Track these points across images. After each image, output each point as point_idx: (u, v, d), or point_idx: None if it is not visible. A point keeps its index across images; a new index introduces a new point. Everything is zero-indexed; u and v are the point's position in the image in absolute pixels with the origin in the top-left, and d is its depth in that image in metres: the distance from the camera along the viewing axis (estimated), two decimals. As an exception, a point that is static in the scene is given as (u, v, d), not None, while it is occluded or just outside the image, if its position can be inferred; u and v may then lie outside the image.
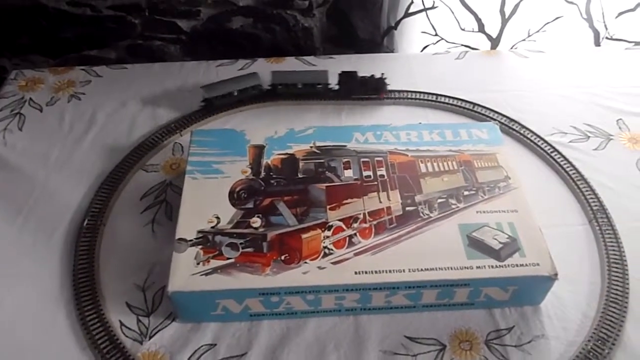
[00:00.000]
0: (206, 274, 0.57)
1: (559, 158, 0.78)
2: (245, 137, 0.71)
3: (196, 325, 0.61)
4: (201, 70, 0.94)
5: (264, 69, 0.92)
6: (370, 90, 0.88)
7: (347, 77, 0.87)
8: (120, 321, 0.61)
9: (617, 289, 0.63)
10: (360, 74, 0.87)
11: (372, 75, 0.86)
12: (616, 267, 0.65)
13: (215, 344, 0.59)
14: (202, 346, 0.59)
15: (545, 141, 0.81)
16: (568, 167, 0.77)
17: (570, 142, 0.82)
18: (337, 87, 0.88)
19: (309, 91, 0.88)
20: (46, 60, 1.02)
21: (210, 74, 0.93)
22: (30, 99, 0.89)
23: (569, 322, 0.61)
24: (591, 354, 0.58)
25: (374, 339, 0.60)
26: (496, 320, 0.61)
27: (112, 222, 0.71)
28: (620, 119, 0.86)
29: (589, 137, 0.83)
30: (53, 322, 0.61)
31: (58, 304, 0.62)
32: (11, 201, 0.72)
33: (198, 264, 0.58)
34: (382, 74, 0.86)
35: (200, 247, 0.59)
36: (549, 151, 0.79)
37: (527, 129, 0.83)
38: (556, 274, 0.58)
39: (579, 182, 0.75)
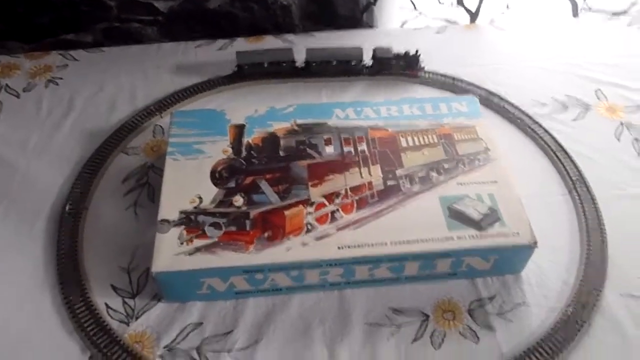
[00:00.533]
0: (190, 254, 0.57)
1: (538, 129, 0.79)
2: (225, 117, 0.70)
3: (182, 305, 0.61)
4: (179, 51, 0.93)
5: (244, 49, 0.92)
6: (403, 67, 0.87)
7: (381, 53, 0.86)
8: (106, 304, 0.61)
9: (596, 257, 0.65)
10: (395, 50, 0.87)
11: (407, 52, 0.86)
12: (595, 235, 0.66)
13: (202, 323, 0.60)
14: (188, 325, 0.59)
15: (525, 113, 0.81)
16: (547, 137, 0.78)
17: (549, 113, 0.82)
18: (370, 64, 0.88)
19: (344, 68, 0.87)
20: (21, 45, 1.01)
21: (188, 54, 0.93)
22: (7, 85, 0.87)
23: (550, 289, 0.62)
24: (571, 319, 0.59)
25: (358, 312, 0.60)
26: (478, 289, 0.62)
27: (95, 206, 0.70)
28: (599, 89, 0.86)
29: (567, 107, 0.83)
30: (38, 308, 0.61)
31: (43, 289, 0.62)
32: (-9, 189, 0.72)
33: (181, 244, 0.58)
34: (417, 50, 0.86)
35: (183, 227, 0.59)
36: (528, 123, 0.80)
37: (507, 101, 0.83)
38: (536, 243, 0.59)
39: (558, 153, 0.76)
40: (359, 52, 0.86)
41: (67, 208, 0.69)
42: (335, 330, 0.59)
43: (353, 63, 0.87)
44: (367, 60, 0.87)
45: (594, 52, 0.93)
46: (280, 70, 0.87)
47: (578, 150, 0.76)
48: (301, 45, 0.89)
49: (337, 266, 0.58)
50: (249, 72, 0.87)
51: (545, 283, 0.63)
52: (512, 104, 0.83)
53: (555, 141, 0.77)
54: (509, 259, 0.61)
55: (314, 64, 0.87)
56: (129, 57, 0.92)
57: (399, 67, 0.87)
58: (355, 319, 0.60)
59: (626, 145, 0.78)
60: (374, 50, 0.87)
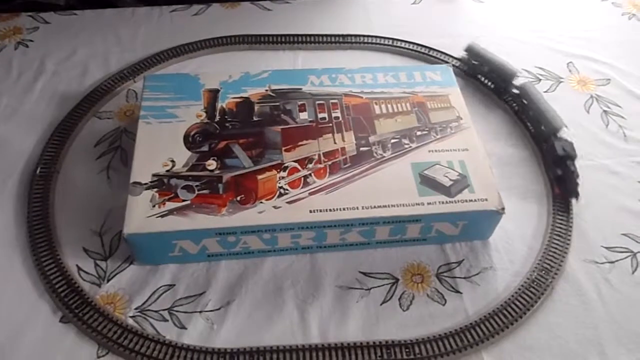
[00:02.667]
0: (162, 216, 0.57)
1: (510, 100, 0.80)
2: (199, 82, 0.70)
3: (154, 267, 0.61)
4: (155, 16, 0.92)
5: (220, 14, 0.91)
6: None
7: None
8: (77, 266, 0.61)
9: (561, 224, 0.66)
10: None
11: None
12: (561, 204, 0.68)
13: (174, 285, 0.60)
14: (160, 287, 0.60)
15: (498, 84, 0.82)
16: (518, 108, 0.79)
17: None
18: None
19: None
20: (-10, 7, 0.98)
21: (163, 19, 0.91)
22: (-25, 46, 0.85)
23: (516, 254, 0.64)
24: (535, 282, 0.61)
25: (329, 275, 0.61)
26: (447, 254, 0.64)
27: (66, 170, 0.70)
28: (571, 62, 0.88)
29: (540, 79, 0.85)
30: (9, 269, 0.60)
31: (13, 250, 0.62)
32: (-40, 151, 0.71)
33: (154, 206, 0.58)
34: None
35: (155, 190, 0.59)
36: (500, 94, 0.81)
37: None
38: (503, 209, 0.60)
39: (527, 122, 0.77)
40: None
41: (38, 171, 0.68)
42: (306, 292, 0.60)
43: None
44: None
45: (567, 25, 0.94)
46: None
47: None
48: (280, 14, 0.88)
49: (308, 229, 0.59)
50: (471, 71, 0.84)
51: (512, 249, 0.65)
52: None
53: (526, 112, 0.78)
54: (477, 225, 0.63)
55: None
56: (103, 21, 0.91)
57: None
58: (326, 281, 0.61)
59: (595, 117, 0.80)
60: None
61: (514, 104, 0.79)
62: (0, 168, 0.69)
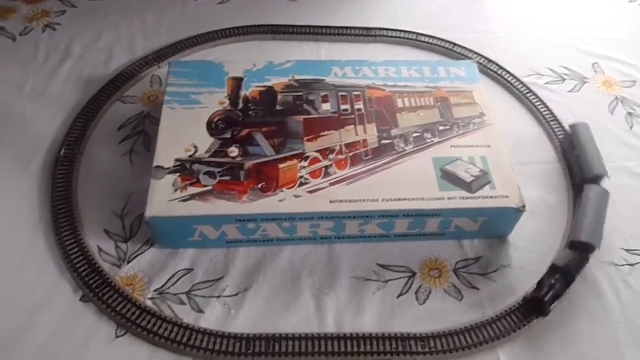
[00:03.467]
0: (184, 200, 0.58)
1: (533, 98, 0.79)
2: (223, 69, 0.70)
3: (174, 251, 0.62)
4: (180, 3, 0.92)
5: (244, 4, 0.91)
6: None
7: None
8: (98, 246, 0.62)
9: (581, 224, 0.66)
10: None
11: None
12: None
13: (193, 269, 0.61)
14: (179, 270, 0.60)
15: (522, 82, 0.82)
16: (542, 107, 0.78)
17: (545, 83, 0.83)
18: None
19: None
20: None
21: (189, 7, 0.92)
22: (3, 27, 0.86)
23: (534, 253, 0.64)
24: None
25: (346, 265, 0.62)
26: (465, 250, 0.64)
27: (90, 152, 0.71)
28: (596, 63, 0.87)
29: (564, 79, 0.84)
30: (32, 247, 0.61)
31: (37, 229, 0.63)
32: (-13, 129, 0.72)
33: (175, 190, 0.58)
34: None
35: (177, 174, 0.60)
36: (524, 92, 0.80)
37: (505, 69, 0.83)
38: (524, 206, 0.60)
39: (551, 122, 0.76)
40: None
41: (62, 152, 0.69)
42: (323, 282, 0.60)
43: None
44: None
45: (594, 26, 0.93)
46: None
47: (572, 121, 0.76)
48: (304, 5, 0.88)
49: (328, 219, 0.59)
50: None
51: (531, 247, 0.64)
52: (509, 72, 0.83)
53: (550, 111, 0.78)
54: (497, 222, 0.63)
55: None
56: (129, 7, 0.91)
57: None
58: (343, 272, 0.61)
59: (619, 119, 0.79)
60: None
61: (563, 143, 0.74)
62: (25, 148, 0.70)
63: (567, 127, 0.75)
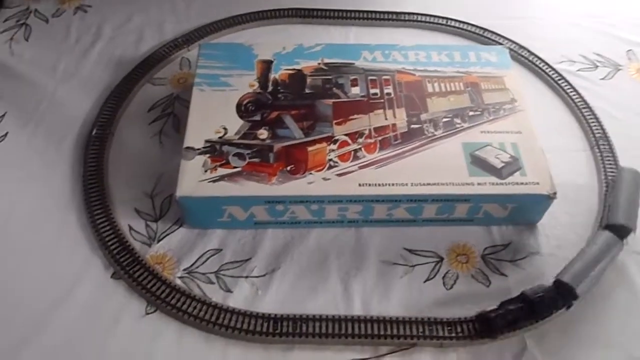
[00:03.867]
0: (213, 181, 0.58)
1: (565, 85, 0.78)
2: (253, 52, 0.70)
3: (203, 231, 0.62)
4: (210, -14, 0.92)
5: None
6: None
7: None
8: (129, 225, 0.63)
9: (613, 213, 0.65)
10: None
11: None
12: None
13: (222, 249, 0.61)
14: (208, 250, 0.61)
15: (553, 68, 0.80)
16: (574, 94, 0.77)
17: (578, 70, 0.81)
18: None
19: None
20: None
21: (218, -10, 0.92)
22: (36, 10, 0.88)
23: (564, 240, 0.63)
24: (583, 270, 0.60)
25: (374, 249, 0.62)
26: (493, 236, 0.63)
27: (120, 133, 0.72)
28: (630, 50, 0.85)
29: (597, 66, 0.82)
30: (64, 225, 0.62)
31: (69, 207, 0.64)
32: (21, 109, 0.73)
33: (206, 171, 0.59)
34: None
35: (207, 155, 0.60)
36: (556, 78, 0.79)
37: (536, 55, 0.82)
38: (555, 193, 0.59)
39: (583, 110, 0.75)
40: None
41: (94, 132, 0.70)
42: (350, 265, 0.60)
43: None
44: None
45: (628, 11, 0.91)
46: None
47: (604, 109, 0.75)
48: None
49: (356, 203, 0.59)
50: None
51: (560, 234, 0.64)
52: (540, 59, 0.82)
53: (582, 98, 0.76)
54: (527, 208, 0.62)
55: None
56: (158, -10, 0.92)
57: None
58: (370, 256, 0.61)
59: (653, 107, 0.77)
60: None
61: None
62: (58, 128, 0.71)
63: (599, 116, 0.74)
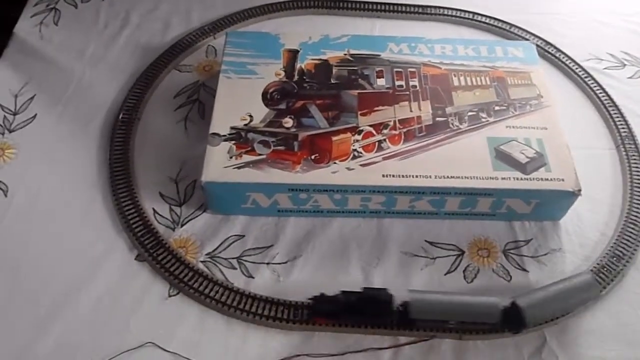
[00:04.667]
0: (238, 167, 0.59)
1: (592, 83, 0.78)
2: (279, 41, 0.71)
3: (226, 217, 0.63)
4: (236, -25, 0.93)
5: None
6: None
7: None
8: (153, 209, 0.64)
9: (637, 212, 0.64)
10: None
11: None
12: (638, 191, 0.66)
13: (244, 235, 0.62)
14: (231, 236, 0.62)
15: (580, 66, 0.80)
16: (600, 92, 0.76)
17: (605, 68, 0.80)
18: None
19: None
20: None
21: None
22: (66, -6, 0.89)
23: (587, 238, 0.63)
24: (605, 269, 0.60)
25: (395, 241, 0.62)
26: (515, 231, 0.63)
27: (146, 118, 0.72)
28: (659, 49, 0.84)
29: (624, 65, 0.81)
30: (90, 206, 0.64)
31: (95, 189, 0.65)
32: (49, 92, 0.74)
33: (231, 157, 0.60)
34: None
35: (233, 142, 0.61)
36: (582, 76, 0.78)
37: (563, 52, 0.81)
38: (580, 190, 0.59)
39: (610, 108, 0.75)
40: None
41: (120, 116, 0.71)
42: (371, 255, 0.61)
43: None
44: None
45: (658, 11, 0.90)
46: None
47: (630, 108, 0.75)
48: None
49: (380, 193, 0.60)
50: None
51: (583, 232, 0.63)
52: (567, 56, 0.81)
53: (608, 97, 0.76)
54: (550, 205, 0.62)
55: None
56: (185, -22, 0.92)
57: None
58: (391, 247, 0.61)
59: (681, 108, 0.77)
60: None
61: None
62: (85, 111, 0.72)
63: (625, 114, 0.73)
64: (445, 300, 0.54)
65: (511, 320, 0.53)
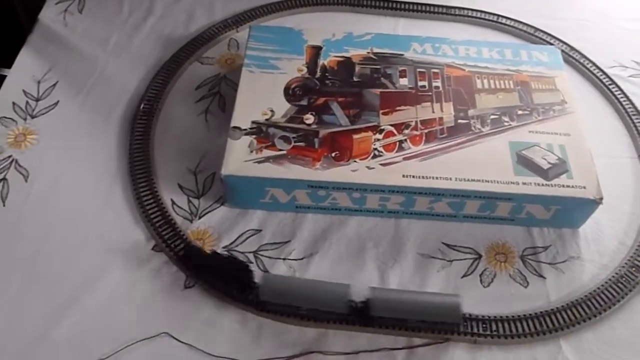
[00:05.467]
0: (258, 162, 0.59)
1: (616, 91, 0.77)
2: (302, 37, 0.71)
3: (243, 211, 0.63)
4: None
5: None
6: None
7: None
8: (172, 200, 0.64)
9: (657, 223, 0.64)
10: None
11: None
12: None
13: (261, 230, 0.62)
14: (248, 230, 0.62)
15: (605, 73, 0.79)
16: (624, 100, 0.75)
17: (630, 76, 0.79)
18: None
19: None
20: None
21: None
22: (91, -17, 0.89)
23: (606, 247, 0.62)
24: (624, 278, 0.59)
25: (412, 242, 0.62)
26: (534, 237, 0.63)
27: (167, 109, 0.72)
28: (684, 58, 0.83)
29: (649, 73, 0.81)
30: (109, 195, 0.64)
31: (115, 178, 0.65)
32: (72, 80, 0.74)
33: (251, 152, 0.60)
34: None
35: (254, 136, 0.61)
36: (607, 83, 0.78)
37: (587, 58, 0.81)
38: (601, 198, 0.58)
39: (633, 116, 0.74)
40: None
41: (142, 106, 0.71)
42: (388, 255, 0.60)
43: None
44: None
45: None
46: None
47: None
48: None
49: (399, 194, 0.59)
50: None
51: (602, 241, 0.63)
52: (592, 62, 0.80)
53: (632, 105, 0.75)
54: (571, 212, 0.61)
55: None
56: (210, -30, 0.92)
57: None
58: (408, 248, 0.61)
59: None
60: None
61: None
62: (107, 100, 0.73)
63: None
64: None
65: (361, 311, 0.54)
